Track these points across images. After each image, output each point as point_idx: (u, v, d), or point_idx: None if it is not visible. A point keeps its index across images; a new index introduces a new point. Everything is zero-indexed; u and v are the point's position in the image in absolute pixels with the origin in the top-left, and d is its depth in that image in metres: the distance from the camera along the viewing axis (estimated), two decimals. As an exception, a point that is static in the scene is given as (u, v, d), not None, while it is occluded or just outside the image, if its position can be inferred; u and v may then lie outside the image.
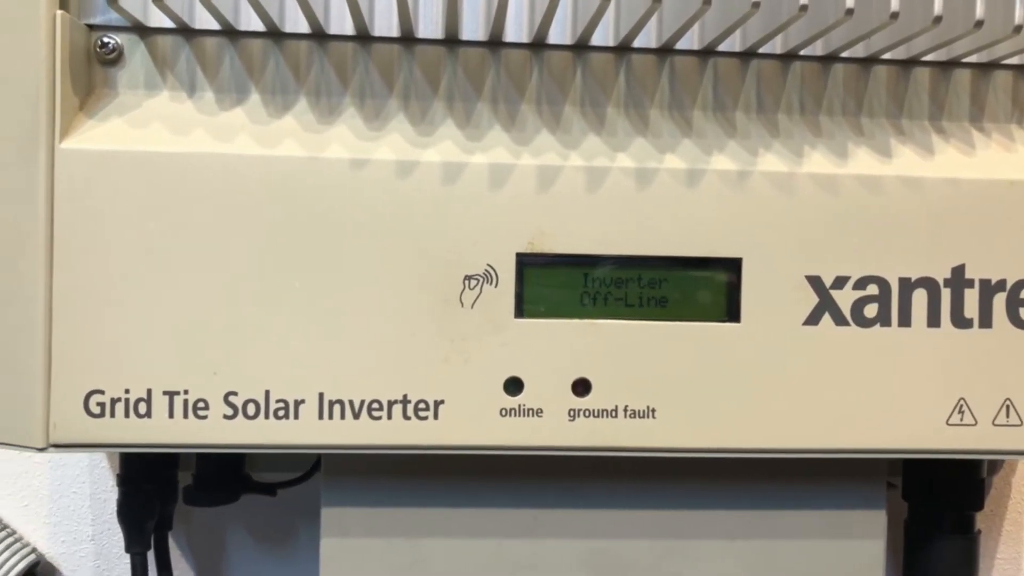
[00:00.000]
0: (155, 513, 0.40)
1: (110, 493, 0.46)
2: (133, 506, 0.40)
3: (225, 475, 0.41)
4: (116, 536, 0.46)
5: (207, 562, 0.46)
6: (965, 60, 0.37)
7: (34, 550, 0.45)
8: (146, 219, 0.33)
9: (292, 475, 0.44)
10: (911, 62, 0.37)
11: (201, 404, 0.34)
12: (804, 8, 0.31)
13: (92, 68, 0.35)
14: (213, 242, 0.33)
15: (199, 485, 0.41)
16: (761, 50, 0.36)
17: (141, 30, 0.35)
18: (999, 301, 0.36)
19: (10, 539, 0.44)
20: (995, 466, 0.49)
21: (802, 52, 0.36)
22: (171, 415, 0.34)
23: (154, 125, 0.34)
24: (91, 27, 0.35)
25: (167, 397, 0.34)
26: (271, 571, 0.47)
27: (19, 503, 0.46)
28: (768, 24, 0.34)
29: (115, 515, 0.46)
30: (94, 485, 0.46)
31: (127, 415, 0.34)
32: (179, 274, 0.33)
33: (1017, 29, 0.34)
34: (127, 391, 0.33)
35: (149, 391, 0.33)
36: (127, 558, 0.46)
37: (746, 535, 0.39)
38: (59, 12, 0.33)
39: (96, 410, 0.33)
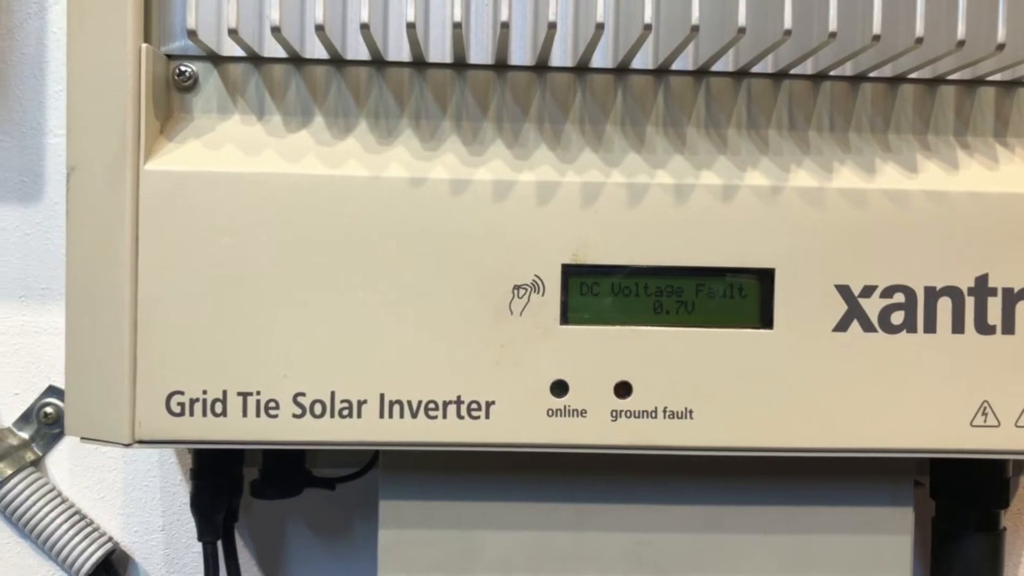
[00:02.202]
0: (225, 505, 0.44)
1: (178, 487, 0.49)
2: (205, 498, 0.43)
3: (289, 470, 0.44)
4: (185, 527, 0.49)
5: (268, 552, 0.49)
6: (988, 79, 0.39)
7: (111, 539, 0.48)
8: (222, 234, 0.36)
9: (350, 471, 0.46)
10: (936, 81, 0.39)
11: (272, 404, 0.36)
12: (833, 35, 0.34)
13: (170, 94, 0.38)
14: (282, 255, 0.36)
15: (266, 480, 0.44)
16: (792, 71, 0.38)
17: (214, 59, 0.38)
18: (1021, 308, 0.37)
19: (89, 528, 0.48)
20: (1021, 466, 0.51)
21: (831, 73, 0.38)
22: (244, 414, 0.36)
23: (228, 147, 0.37)
24: (169, 57, 0.38)
25: (241, 397, 0.36)
26: (327, 561, 0.49)
27: (95, 495, 0.49)
28: (799, 48, 0.36)
29: (183, 507, 0.49)
30: (164, 479, 0.49)
31: (204, 414, 0.36)
32: (252, 284, 0.36)
33: (1038, 51, 0.36)
34: (205, 392, 0.36)
35: (225, 392, 0.36)
36: (195, 547, 0.49)
37: (780, 530, 0.41)
38: (144, 45, 0.36)
39: (177, 409, 0.36)
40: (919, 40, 0.34)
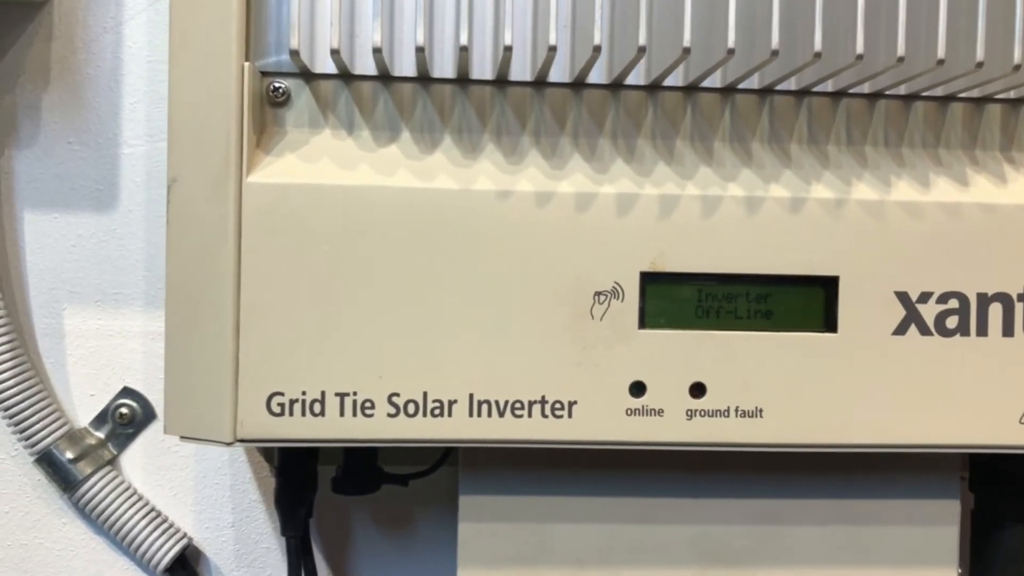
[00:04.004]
0: (306, 501, 0.46)
1: (248, 484, 0.51)
2: (288, 495, 0.45)
3: (366, 467, 0.46)
4: (254, 523, 0.51)
5: (335, 545, 0.51)
6: (1031, 98, 0.42)
7: (185, 535, 0.50)
8: (320, 243, 0.38)
9: (420, 468, 0.48)
10: (984, 100, 0.42)
11: (368, 404, 0.39)
12: (901, 59, 0.36)
13: (264, 109, 0.40)
14: (378, 263, 0.38)
15: (347, 477, 0.46)
16: (851, 91, 0.41)
17: (307, 76, 0.40)
18: (1065, 313, 0.40)
19: (165, 524, 0.50)
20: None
21: (887, 92, 0.41)
22: (342, 414, 0.38)
23: (323, 161, 0.39)
24: (264, 73, 0.40)
25: (338, 398, 0.38)
26: (393, 556, 0.52)
27: (168, 493, 0.51)
28: (862, 72, 0.38)
29: (253, 504, 0.51)
30: (234, 477, 0.51)
31: (304, 414, 0.38)
32: (348, 291, 0.38)
33: (1084, 74, 0.38)
34: (304, 393, 0.38)
35: (323, 393, 0.38)
36: (263, 543, 0.51)
37: (835, 521, 0.44)
38: (246, 63, 0.38)
39: (277, 409, 0.38)
40: (979, 64, 0.37)
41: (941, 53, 0.37)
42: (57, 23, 0.49)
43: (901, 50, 0.37)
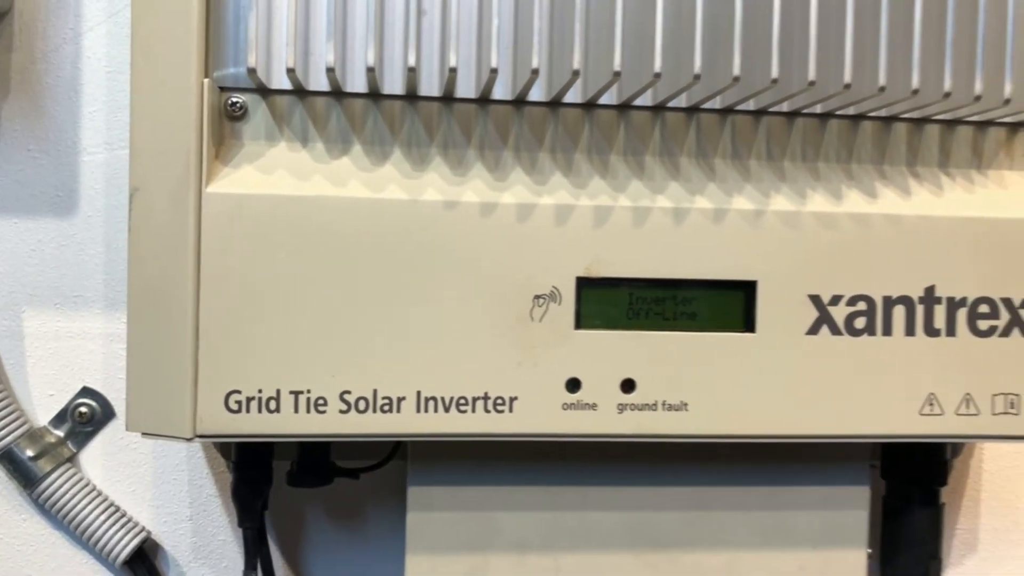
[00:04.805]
0: (262, 494, 0.48)
1: (205, 479, 0.53)
2: (245, 488, 0.47)
3: (320, 461, 0.49)
4: (211, 517, 0.53)
5: (290, 536, 0.54)
6: (935, 118, 0.45)
7: (143, 529, 0.52)
8: (276, 251, 0.40)
9: (371, 462, 0.51)
10: (891, 119, 0.45)
11: (321, 401, 0.41)
12: (812, 83, 0.40)
13: (222, 123, 0.42)
14: (330, 269, 0.41)
15: (301, 471, 0.48)
16: (770, 110, 0.44)
17: (263, 91, 0.42)
18: (962, 315, 0.44)
19: (124, 519, 0.51)
20: (957, 449, 0.58)
21: (804, 111, 0.44)
22: (296, 410, 0.41)
23: (278, 172, 0.42)
24: (222, 89, 0.42)
25: (293, 396, 0.41)
26: (344, 546, 0.54)
27: (127, 489, 0.53)
28: (780, 93, 0.42)
29: (209, 498, 0.53)
30: (191, 473, 0.53)
31: (260, 411, 0.41)
32: (303, 295, 0.41)
33: (977, 98, 0.42)
34: (260, 391, 0.41)
35: (278, 391, 0.41)
36: (220, 535, 0.53)
37: (758, 507, 0.47)
38: (205, 80, 0.40)
39: (234, 407, 0.41)
40: (882, 88, 0.41)
41: (848, 78, 0.40)
42: (18, 34, 0.51)
43: (812, 75, 0.40)
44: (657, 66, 0.39)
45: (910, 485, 0.51)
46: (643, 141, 0.44)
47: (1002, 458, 0.59)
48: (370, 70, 0.39)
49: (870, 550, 0.48)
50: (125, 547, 0.51)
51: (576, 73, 0.39)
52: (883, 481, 0.52)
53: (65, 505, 0.51)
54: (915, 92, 0.41)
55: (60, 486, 0.51)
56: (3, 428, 0.50)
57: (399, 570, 0.46)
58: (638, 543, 0.47)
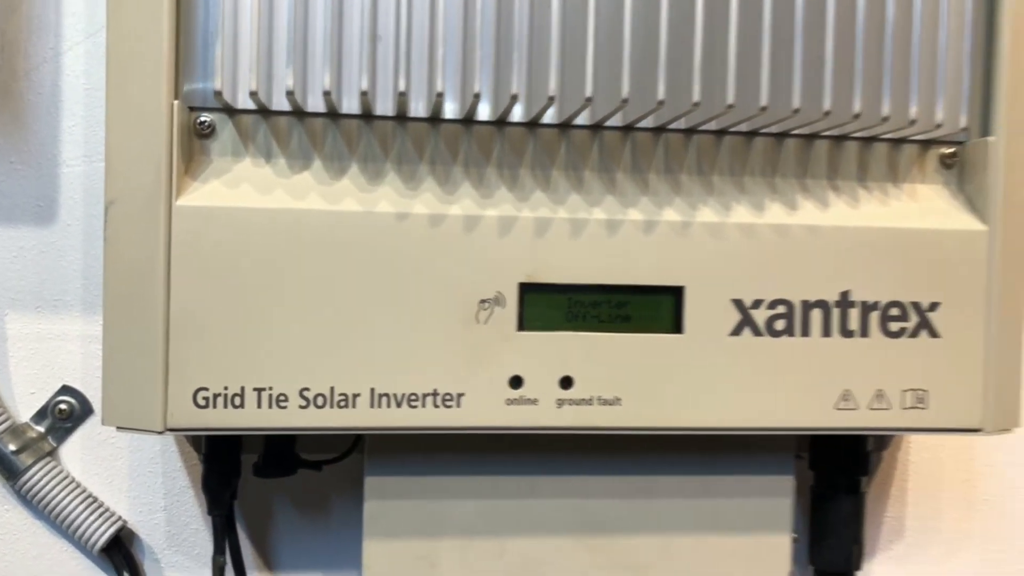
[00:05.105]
0: (229, 485, 0.51)
1: (178, 472, 0.56)
2: (214, 479, 0.51)
3: (284, 455, 0.52)
4: (184, 507, 0.56)
5: (258, 525, 0.57)
6: (854, 136, 0.49)
7: (120, 518, 0.55)
8: (240, 259, 0.44)
9: (333, 455, 0.54)
10: (812, 136, 0.49)
11: (282, 397, 0.44)
12: (731, 106, 0.44)
13: (192, 140, 0.46)
14: (291, 276, 0.44)
15: (267, 462, 0.52)
16: (700, 129, 0.48)
17: (230, 111, 0.46)
18: (874, 317, 0.48)
19: (101, 509, 0.55)
20: (884, 442, 0.62)
21: (731, 130, 0.48)
22: (259, 406, 0.44)
23: (243, 186, 0.45)
24: (192, 108, 0.45)
25: (256, 392, 0.44)
26: (309, 533, 0.58)
27: (104, 481, 0.56)
28: (705, 113, 0.46)
29: (183, 490, 0.57)
30: (165, 466, 0.56)
31: (226, 406, 0.44)
32: (265, 299, 0.44)
33: (885, 119, 0.46)
34: (226, 388, 0.44)
35: (243, 387, 0.44)
36: (192, 524, 0.57)
37: (689, 495, 0.51)
38: (175, 101, 0.44)
39: (202, 402, 0.44)
40: (796, 110, 0.44)
41: (764, 101, 0.44)
42: (0, 54, 0.54)
43: (731, 98, 0.44)
44: (589, 91, 0.43)
45: (835, 475, 0.55)
46: (582, 158, 0.48)
47: (926, 451, 0.63)
48: (326, 93, 0.43)
49: (795, 534, 0.52)
50: (102, 535, 0.54)
51: (514, 97, 0.43)
52: (811, 472, 0.56)
53: (46, 496, 0.54)
54: (826, 113, 0.45)
55: (41, 478, 0.54)
56: (-13, 424, 0.53)
57: (359, 555, 0.49)
58: (579, 529, 0.51)
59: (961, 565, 0.64)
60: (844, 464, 0.55)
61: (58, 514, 0.54)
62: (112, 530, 0.54)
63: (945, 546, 0.63)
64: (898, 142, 0.50)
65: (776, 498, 0.52)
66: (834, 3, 0.46)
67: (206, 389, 0.44)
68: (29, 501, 0.55)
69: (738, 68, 0.45)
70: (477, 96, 0.43)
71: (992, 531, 0.64)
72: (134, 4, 0.44)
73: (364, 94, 0.43)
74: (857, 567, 0.55)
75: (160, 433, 0.44)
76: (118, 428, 0.45)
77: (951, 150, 0.51)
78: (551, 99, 0.43)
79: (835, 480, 0.55)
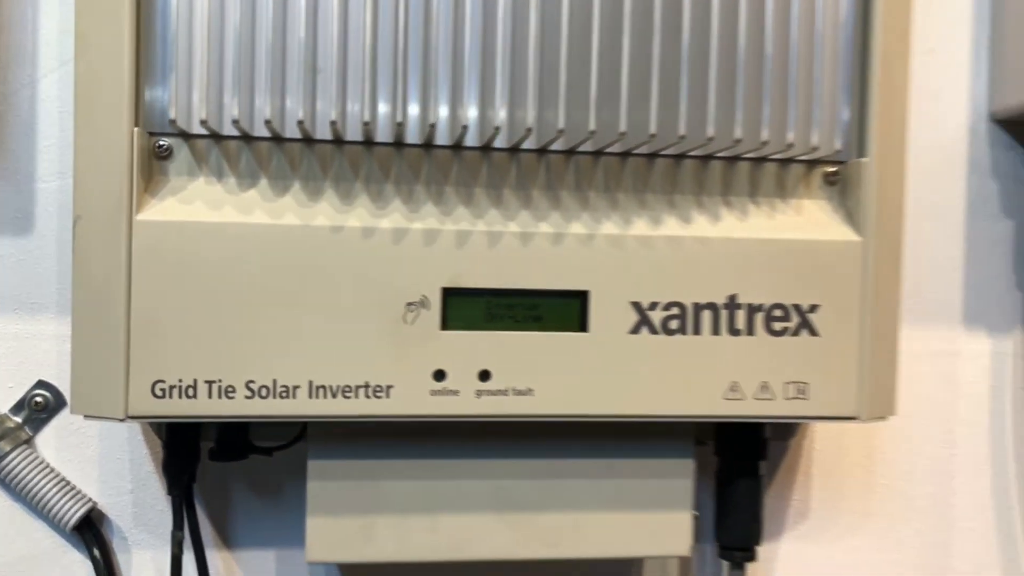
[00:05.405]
0: (187, 468, 0.57)
1: (144, 459, 0.62)
2: (174, 463, 0.56)
3: (237, 441, 0.58)
4: (149, 490, 0.62)
5: (217, 505, 0.63)
6: (744, 156, 0.56)
7: (90, 499, 0.61)
8: (194, 267, 0.50)
9: (282, 442, 0.60)
10: (708, 157, 0.56)
11: (230, 388, 0.50)
12: (623, 134, 0.50)
13: (151, 162, 0.51)
14: (238, 282, 0.50)
15: (220, 448, 0.57)
16: (606, 151, 0.54)
17: (185, 136, 0.52)
18: (760, 318, 0.54)
19: (73, 491, 0.60)
20: (792, 430, 0.69)
21: (634, 152, 0.54)
22: (209, 396, 0.50)
23: (197, 203, 0.51)
24: (151, 134, 0.51)
25: (207, 384, 0.50)
26: (262, 512, 0.63)
27: (76, 467, 0.62)
28: (604, 139, 0.52)
29: (148, 475, 0.62)
30: (132, 453, 0.62)
31: (180, 396, 0.50)
32: (215, 303, 0.50)
33: (764, 143, 0.53)
34: (180, 380, 0.50)
35: (195, 380, 0.50)
36: (157, 506, 0.63)
37: (599, 476, 0.57)
38: (135, 128, 0.49)
39: (159, 393, 0.50)
40: (682, 137, 0.51)
41: (652, 129, 0.51)
42: (-18, 81, 0.60)
43: (623, 126, 0.50)
44: (499, 120, 0.49)
45: (736, 460, 0.61)
46: (501, 177, 0.54)
47: (829, 439, 0.69)
48: (267, 122, 0.49)
49: (696, 513, 0.58)
50: (74, 515, 0.60)
51: (433, 126, 0.49)
52: (716, 457, 0.62)
53: (23, 480, 0.60)
54: (710, 139, 0.52)
55: (18, 464, 0.60)
56: (-31, 415, 0.59)
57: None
58: (501, 507, 0.57)
59: (861, 542, 0.70)
60: (744, 450, 0.61)
61: (34, 496, 0.60)
62: (83, 510, 0.60)
63: (846, 526, 0.70)
64: (785, 162, 0.56)
65: (677, 479, 0.58)
66: (717, 40, 0.52)
67: (163, 381, 0.50)
68: (8, 484, 0.60)
69: (630, 99, 0.51)
70: (401, 124, 0.49)
71: (888, 512, 0.70)
72: (98, 40, 0.50)
73: (301, 122, 0.49)
74: (756, 542, 0.62)
75: (122, 420, 0.50)
76: (85, 416, 0.50)
77: (834, 169, 0.57)
78: (464, 128, 0.49)
79: (736, 465, 0.61)
